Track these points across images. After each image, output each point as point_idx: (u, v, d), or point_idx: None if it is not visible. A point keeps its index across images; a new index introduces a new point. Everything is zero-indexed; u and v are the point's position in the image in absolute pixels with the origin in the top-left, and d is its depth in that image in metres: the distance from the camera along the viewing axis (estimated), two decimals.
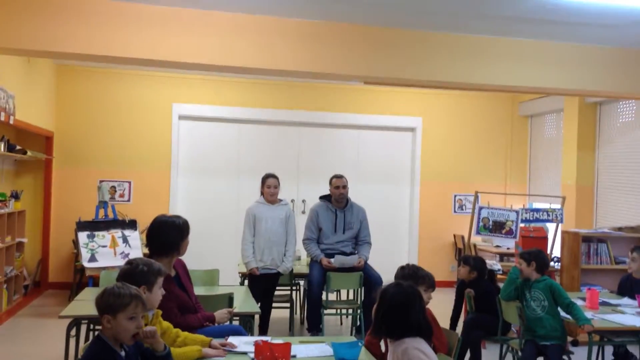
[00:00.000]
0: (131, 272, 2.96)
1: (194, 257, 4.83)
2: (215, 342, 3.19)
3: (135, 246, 6.68)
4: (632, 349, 4.99)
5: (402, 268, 3.56)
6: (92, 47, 4.87)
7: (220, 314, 3.86)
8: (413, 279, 3.33)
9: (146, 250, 3.85)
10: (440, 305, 4.31)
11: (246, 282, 5.83)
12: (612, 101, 7.51)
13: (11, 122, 6.14)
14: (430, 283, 3.47)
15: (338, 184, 6.01)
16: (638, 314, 4.56)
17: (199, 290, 4.25)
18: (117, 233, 6.69)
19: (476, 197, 6.85)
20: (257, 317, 4.87)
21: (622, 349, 5.07)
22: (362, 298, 6.02)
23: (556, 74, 5.81)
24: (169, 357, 2.75)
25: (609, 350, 5.29)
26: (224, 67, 5.28)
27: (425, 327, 2.71)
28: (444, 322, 3.67)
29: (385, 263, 6.66)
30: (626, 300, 4.99)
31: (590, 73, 5.87)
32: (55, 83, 8.17)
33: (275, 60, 5.26)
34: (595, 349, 5.08)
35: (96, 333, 2.61)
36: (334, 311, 6.33)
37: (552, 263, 6.48)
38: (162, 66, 5.51)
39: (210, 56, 5.13)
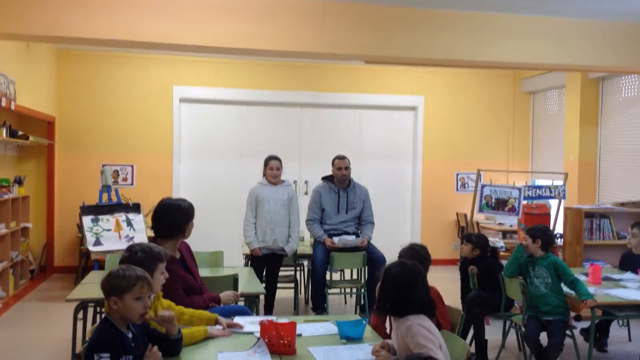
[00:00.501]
0: (129, 260, 2.93)
1: (198, 239, 4.85)
2: (222, 318, 3.23)
3: (140, 229, 6.69)
4: (635, 323, 5.01)
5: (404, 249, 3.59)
6: (92, 31, 4.85)
7: (226, 295, 3.90)
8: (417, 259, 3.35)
9: (151, 233, 3.87)
10: (444, 283, 4.34)
11: (250, 262, 5.86)
12: (614, 76, 7.47)
13: (12, 107, 6.14)
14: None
15: (340, 165, 6.01)
16: None
17: (203, 272, 4.27)
18: (121, 217, 6.70)
19: (479, 175, 6.84)
20: (262, 297, 4.91)
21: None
22: (366, 277, 6.05)
23: (558, 50, 5.77)
24: (180, 341, 2.78)
25: (613, 327, 5.31)
26: (224, 48, 5.26)
27: (428, 305, 2.73)
28: (448, 299, 3.70)
29: (388, 242, 6.68)
30: (629, 275, 5.01)
31: (592, 48, 5.83)
32: (55, 68, 8.15)
33: (276, 40, 5.23)
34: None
35: (103, 315, 2.64)
36: (338, 290, 6.38)
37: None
38: (162, 49, 5.50)
39: (209, 38, 5.10)
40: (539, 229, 4.61)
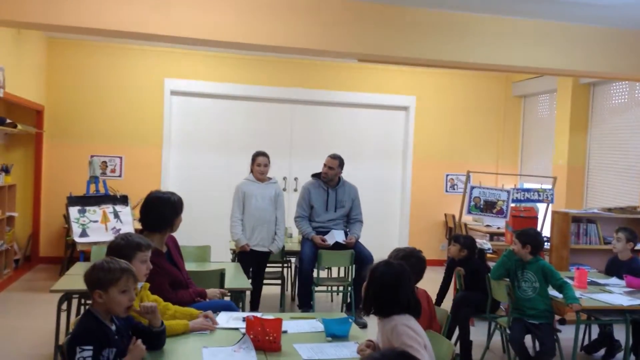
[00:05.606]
0: (109, 247, 3.02)
1: (185, 233, 4.82)
2: (203, 313, 3.22)
3: (127, 222, 6.66)
4: (619, 328, 5.03)
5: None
6: (83, 19, 4.80)
7: (212, 291, 3.88)
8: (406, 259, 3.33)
9: (138, 226, 3.84)
10: (431, 284, 4.34)
11: (237, 258, 5.84)
12: (605, 82, 7.51)
13: (1, 95, 6.07)
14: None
15: (326, 162, 6.02)
16: (625, 293, 4.62)
17: (190, 266, 4.25)
18: (109, 208, 6.67)
19: (468, 177, 6.86)
20: (248, 293, 4.89)
21: (609, 329, 5.13)
22: (353, 275, 6.05)
23: (550, 54, 5.79)
24: (164, 333, 2.76)
25: (595, 329, 5.36)
26: (216, 42, 5.22)
27: (414, 305, 2.72)
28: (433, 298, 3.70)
29: (377, 241, 6.71)
30: (614, 280, 5.05)
31: (583, 53, 5.85)
32: (46, 56, 8.07)
33: (269, 36, 5.20)
34: (582, 327, 5.15)
35: (87, 307, 2.62)
36: (324, 288, 6.37)
37: None
38: (152, 40, 5.46)
39: (202, 31, 5.07)
40: (529, 235, 4.57)
